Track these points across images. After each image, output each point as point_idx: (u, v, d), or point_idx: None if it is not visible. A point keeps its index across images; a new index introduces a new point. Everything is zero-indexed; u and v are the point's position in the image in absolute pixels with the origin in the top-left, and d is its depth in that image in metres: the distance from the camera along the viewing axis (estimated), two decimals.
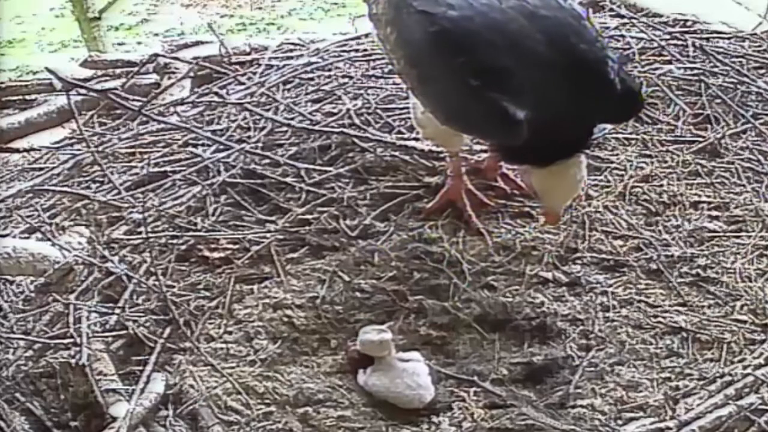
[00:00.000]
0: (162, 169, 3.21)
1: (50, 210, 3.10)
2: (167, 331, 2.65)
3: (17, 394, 2.54)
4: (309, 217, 2.97)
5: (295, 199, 3.04)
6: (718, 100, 3.39)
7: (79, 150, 3.40)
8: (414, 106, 2.91)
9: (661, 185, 3.05)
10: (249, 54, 3.91)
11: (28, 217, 3.06)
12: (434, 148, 3.06)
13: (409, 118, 3.17)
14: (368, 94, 3.43)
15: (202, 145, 3.28)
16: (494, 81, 2.49)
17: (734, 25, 4.01)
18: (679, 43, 3.69)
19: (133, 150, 3.34)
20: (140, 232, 2.91)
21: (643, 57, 3.60)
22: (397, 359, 2.54)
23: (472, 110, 2.57)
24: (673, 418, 2.39)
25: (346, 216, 2.96)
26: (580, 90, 2.50)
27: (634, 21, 3.84)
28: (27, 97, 3.95)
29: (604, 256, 2.83)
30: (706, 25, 3.96)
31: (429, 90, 2.71)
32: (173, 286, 2.77)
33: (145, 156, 3.28)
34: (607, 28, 3.82)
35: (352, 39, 3.90)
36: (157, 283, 2.75)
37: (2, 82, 4.09)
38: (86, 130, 3.45)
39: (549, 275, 2.78)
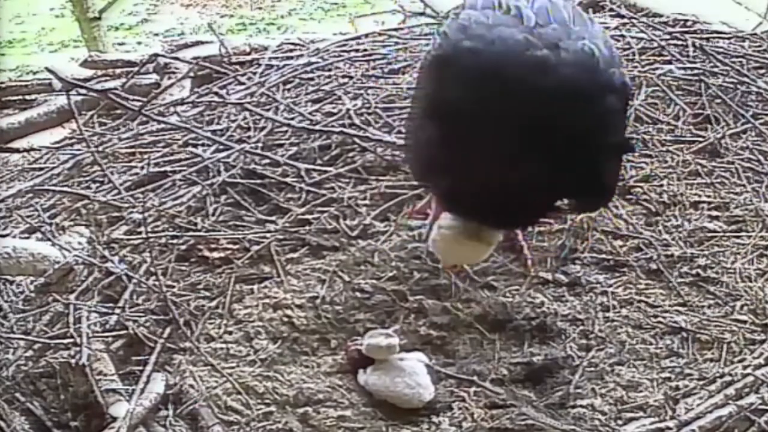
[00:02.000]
0: (162, 169, 3.21)
1: (50, 210, 3.09)
2: (167, 331, 2.65)
3: (17, 394, 2.53)
4: (309, 217, 2.97)
5: (295, 199, 3.04)
6: (718, 100, 3.39)
7: (79, 150, 3.40)
8: None
9: (661, 185, 3.05)
10: (249, 54, 3.91)
11: (28, 217, 3.06)
12: None
13: None
14: (368, 94, 3.43)
15: (202, 145, 3.28)
16: (438, 121, 2.36)
17: (734, 25, 4.01)
18: (679, 43, 3.69)
19: (133, 150, 3.34)
20: (140, 232, 2.91)
21: (643, 57, 3.60)
22: (396, 359, 2.54)
23: (410, 138, 2.67)
24: (673, 418, 2.39)
25: (346, 216, 2.96)
26: (534, 166, 2.25)
27: (634, 21, 3.83)
28: (27, 97, 3.95)
29: (604, 256, 2.83)
30: (706, 25, 3.96)
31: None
32: (173, 286, 2.77)
33: (145, 156, 3.28)
34: (607, 28, 3.82)
35: (352, 39, 3.90)
36: (157, 283, 2.75)
37: (2, 82, 4.10)
38: (86, 130, 3.45)
39: (549, 275, 2.78)
